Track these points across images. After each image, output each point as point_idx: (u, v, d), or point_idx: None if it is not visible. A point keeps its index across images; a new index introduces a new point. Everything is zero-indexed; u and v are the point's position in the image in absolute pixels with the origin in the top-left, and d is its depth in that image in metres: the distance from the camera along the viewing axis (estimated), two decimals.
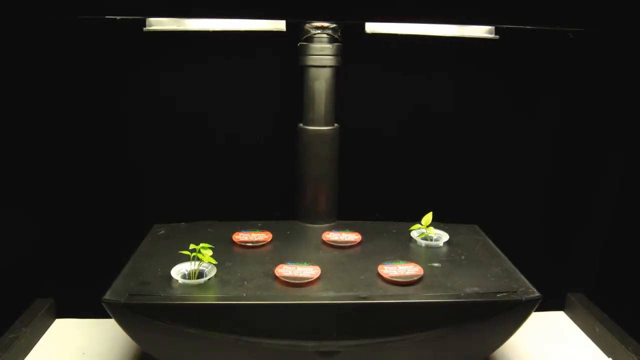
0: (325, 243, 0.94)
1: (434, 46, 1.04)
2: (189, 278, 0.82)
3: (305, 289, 0.79)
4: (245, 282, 0.81)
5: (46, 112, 1.03)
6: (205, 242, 0.84)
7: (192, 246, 0.82)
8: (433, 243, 0.95)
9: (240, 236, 0.95)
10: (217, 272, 0.83)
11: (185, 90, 1.06)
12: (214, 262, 0.83)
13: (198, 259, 0.83)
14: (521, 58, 1.08)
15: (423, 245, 0.95)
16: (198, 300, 0.76)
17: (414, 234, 0.97)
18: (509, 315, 0.79)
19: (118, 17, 0.93)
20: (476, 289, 0.80)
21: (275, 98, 1.08)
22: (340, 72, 0.98)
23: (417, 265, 0.85)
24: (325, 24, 0.94)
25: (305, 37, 0.95)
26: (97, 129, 1.05)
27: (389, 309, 0.77)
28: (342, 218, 1.04)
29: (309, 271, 0.82)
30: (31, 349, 0.98)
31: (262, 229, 0.98)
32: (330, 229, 0.99)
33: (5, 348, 0.91)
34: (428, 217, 0.95)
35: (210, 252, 0.83)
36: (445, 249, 0.94)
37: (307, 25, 0.95)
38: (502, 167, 1.13)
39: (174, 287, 0.79)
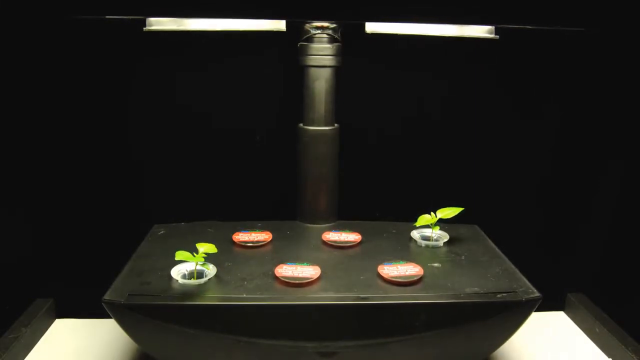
0: (325, 243, 0.94)
1: (434, 46, 1.04)
2: (189, 278, 0.82)
3: (305, 289, 0.79)
4: (245, 282, 0.81)
5: (46, 113, 1.03)
6: (205, 242, 0.84)
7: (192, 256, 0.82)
8: (433, 243, 0.95)
9: (240, 236, 0.95)
10: (217, 272, 0.83)
11: (185, 91, 1.06)
12: (201, 257, 0.83)
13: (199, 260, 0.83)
14: (521, 58, 1.08)
15: (423, 245, 0.95)
16: (198, 300, 0.76)
17: (414, 234, 0.97)
18: (509, 315, 0.79)
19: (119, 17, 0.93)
20: (476, 289, 0.80)
21: (275, 98, 1.08)
22: (340, 72, 0.98)
23: (417, 265, 0.85)
24: (325, 24, 0.94)
25: (305, 37, 0.95)
26: (98, 129, 1.05)
27: (389, 309, 0.77)
28: (342, 218, 1.04)
29: (309, 271, 0.82)
30: (31, 349, 0.98)
31: (262, 229, 0.98)
32: (330, 229, 0.99)
33: (5, 348, 0.91)
34: (452, 211, 0.95)
35: (210, 249, 0.83)
36: (445, 249, 0.94)
37: (307, 25, 0.95)
38: (502, 167, 1.13)
39: (174, 287, 0.79)
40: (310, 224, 1.02)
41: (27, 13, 0.97)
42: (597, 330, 1.03)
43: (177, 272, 0.82)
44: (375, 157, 1.11)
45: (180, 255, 0.80)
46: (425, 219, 0.95)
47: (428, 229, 0.97)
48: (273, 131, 1.09)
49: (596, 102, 1.10)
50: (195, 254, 0.81)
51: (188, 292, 0.78)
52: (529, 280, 0.84)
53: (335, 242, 0.94)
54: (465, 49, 1.06)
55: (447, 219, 0.95)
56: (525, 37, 1.05)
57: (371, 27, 0.98)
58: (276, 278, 0.81)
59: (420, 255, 0.91)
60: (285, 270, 0.83)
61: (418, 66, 1.08)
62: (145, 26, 0.94)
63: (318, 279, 0.82)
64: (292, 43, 0.98)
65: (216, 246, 0.85)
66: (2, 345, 0.92)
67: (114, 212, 1.08)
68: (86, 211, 1.07)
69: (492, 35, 0.98)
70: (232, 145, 1.09)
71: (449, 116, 1.10)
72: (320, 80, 0.97)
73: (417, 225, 0.95)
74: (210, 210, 1.07)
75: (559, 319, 1.13)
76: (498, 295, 0.79)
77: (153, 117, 1.06)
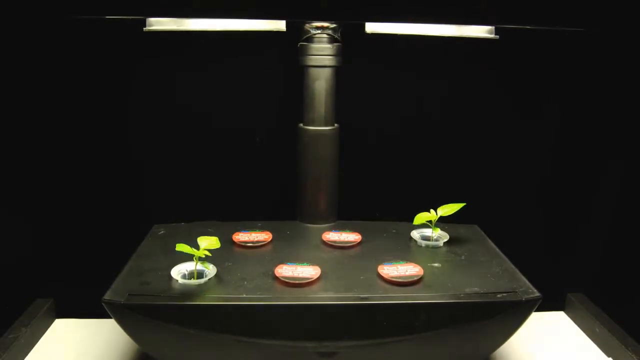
0: (325, 243, 0.94)
1: (434, 46, 1.04)
2: (189, 278, 0.82)
3: (305, 289, 0.79)
4: (245, 282, 0.81)
5: (46, 113, 1.03)
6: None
7: (195, 251, 0.82)
8: (433, 243, 0.95)
9: (240, 236, 0.95)
10: (217, 272, 0.83)
11: (185, 91, 1.06)
12: (207, 253, 0.83)
13: (199, 258, 0.83)
14: (521, 58, 1.08)
15: (423, 245, 0.95)
16: (198, 300, 0.76)
17: (414, 234, 0.97)
18: (509, 315, 0.79)
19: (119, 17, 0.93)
20: (476, 289, 0.80)
21: (275, 98, 1.08)
22: (340, 72, 0.98)
23: (417, 265, 0.85)
24: (325, 24, 0.94)
25: (305, 37, 0.95)
26: (98, 129, 1.05)
27: (389, 309, 0.77)
28: (342, 218, 1.04)
29: (309, 271, 0.82)
30: (31, 349, 0.98)
31: (262, 229, 0.98)
32: (330, 229, 0.99)
33: (5, 348, 0.91)
34: (452, 207, 0.94)
35: (212, 244, 0.83)
36: (445, 249, 0.94)
37: (307, 25, 0.95)
38: (502, 167, 1.13)
39: (174, 287, 0.79)
40: (310, 224, 1.02)
41: (27, 13, 0.97)
42: (597, 330, 1.03)
43: (177, 272, 0.82)
44: (375, 157, 1.11)
45: (180, 247, 0.81)
46: (422, 217, 0.94)
47: (428, 229, 0.97)
48: (273, 131, 1.09)
49: (596, 102, 1.10)
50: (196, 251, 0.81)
51: (188, 292, 0.78)
52: (529, 280, 0.84)
53: (335, 242, 0.94)
54: (465, 49, 1.06)
55: (447, 218, 0.94)
56: (525, 37, 1.05)
57: (371, 27, 0.98)
58: (276, 278, 0.81)
59: (420, 255, 0.91)
60: (285, 270, 0.82)
61: (418, 66, 1.08)
62: (145, 26, 0.94)
63: (318, 279, 0.82)
64: (292, 43, 0.98)
65: None
66: (2, 345, 0.91)
67: (114, 212, 1.08)
68: (86, 211, 1.07)
69: (492, 35, 0.98)
70: (232, 145, 1.09)
71: (449, 116, 1.10)
72: (320, 80, 0.97)
73: (415, 224, 0.95)
74: (210, 210, 1.07)
75: (559, 319, 1.13)
76: (498, 295, 0.79)
77: (153, 117, 1.06)
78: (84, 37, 1.00)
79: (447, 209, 0.94)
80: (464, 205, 0.94)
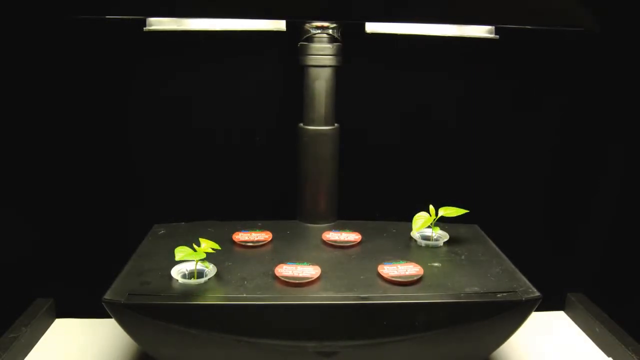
0: (325, 243, 0.94)
1: (434, 46, 1.04)
2: (189, 278, 0.82)
3: (305, 289, 0.79)
4: (245, 282, 0.81)
5: (47, 113, 1.03)
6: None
7: (197, 251, 0.82)
8: (433, 243, 0.95)
9: (240, 236, 0.95)
10: (217, 271, 0.83)
11: (185, 90, 1.06)
12: (210, 251, 0.83)
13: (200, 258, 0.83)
14: (522, 58, 1.08)
15: (423, 245, 0.95)
16: (198, 300, 0.76)
17: (415, 234, 0.97)
18: (509, 315, 0.79)
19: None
20: (476, 289, 0.80)
21: (275, 98, 1.08)
22: (340, 72, 0.98)
23: (417, 265, 0.85)
24: (325, 24, 0.94)
25: (305, 37, 0.95)
26: (97, 129, 1.05)
27: (389, 309, 0.77)
28: (342, 218, 1.04)
29: (309, 271, 0.82)
30: (31, 349, 0.98)
31: (262, 229, 0.98)
32: (330, 229, 0.99)
33: (5, 348, 0.91)
34: (454, 210, 0.93)
35: (211, 246, 0.83)
36: (445, 249, 0.94)
37: (307, 25, 0.95)
38: (502, 166, 1.13)
39: (174, 287, 0.79)
40: (310, 223, 1.02)
41: (27, 13, 0.97)
42: (597, 330, 1.03)
43: (177, 272, 0.82)
44: (375, 157, 1.11)
45: (180, 250, 0.80)
46: (421, 217, 0.94)
47: (428, 228, 0.97)
48: (273, 131, 1.09)
49: (596, 102, 1.10)
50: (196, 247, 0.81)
51: (188, 292, 0.78)
52: (529, 280, 0.84)
53: (335, 241, 0.94)
54: (465, 49, 1.06)
55: (447, 217, 0.94)
56: (525, 37, 1.05)
57: (371, 27, 0.98)
58: (276, 278, 0.81)
59: (420, 255, 0.91)
60: (286, 270, 0.83)
61: (418, 66, 1.08)
62: (145, 26, 0.94)
63: (318, 278, 0.82)
64: (292, 43, 0.98)
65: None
66: (2, 345, 0.91)
67: (114, 212, 1.08)
68: (86, 211, 1.07)
69: (492, 35, 0.98)
70: (232, 145, 1.09)
71: (449, 116, 1.10)
72: (320, 80, 0.97)
73: (415, 228, 0.95)
74: (210, 210, 1.07)
75: (559, 319, 1.13)
76: (498, 295, 0.79)
77: (153, 117, 1.06)
78: (84, 37, 1.00)
79: (450, 211, 0.94)
80: (467, 211, 0.94)
